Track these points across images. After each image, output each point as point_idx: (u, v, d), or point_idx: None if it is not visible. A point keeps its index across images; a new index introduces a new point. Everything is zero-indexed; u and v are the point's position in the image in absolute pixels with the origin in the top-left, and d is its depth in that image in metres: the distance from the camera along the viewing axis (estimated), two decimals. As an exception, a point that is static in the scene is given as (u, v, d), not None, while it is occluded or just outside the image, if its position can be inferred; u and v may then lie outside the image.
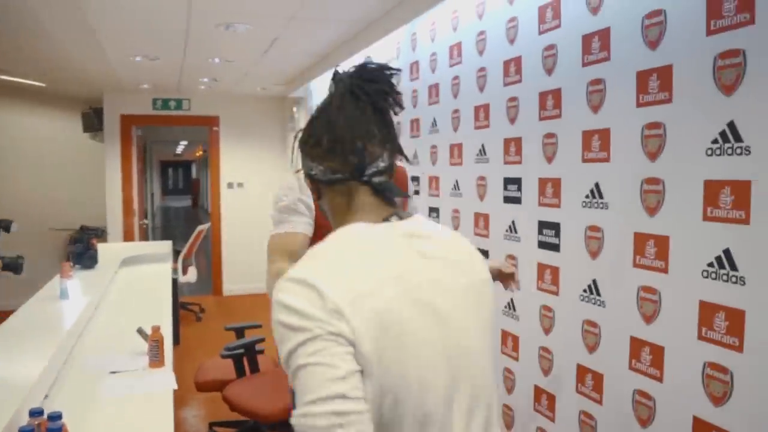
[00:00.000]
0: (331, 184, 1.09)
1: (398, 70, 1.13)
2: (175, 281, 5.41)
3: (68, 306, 3.12)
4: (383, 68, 1.10)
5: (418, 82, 3.68)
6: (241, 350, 3.07)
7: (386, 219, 1.08)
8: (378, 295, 0.95)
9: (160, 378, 2.45)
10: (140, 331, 2.71)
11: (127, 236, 7.29)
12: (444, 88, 3.33)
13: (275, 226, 2.02)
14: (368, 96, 1.07)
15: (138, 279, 4.63)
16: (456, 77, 3.19)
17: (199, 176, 26.42)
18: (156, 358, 2.56)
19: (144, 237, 8.32)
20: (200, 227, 6.67)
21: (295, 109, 7.22)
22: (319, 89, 6.05)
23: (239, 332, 3.56)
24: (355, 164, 1.06)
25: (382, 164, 1.08)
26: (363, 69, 1.09)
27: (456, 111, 3.19)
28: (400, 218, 1.09)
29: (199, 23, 3.83)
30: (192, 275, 6.46)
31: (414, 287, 1.00)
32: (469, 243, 1.17)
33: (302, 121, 7.00)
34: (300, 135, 1.14)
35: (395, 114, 1.12)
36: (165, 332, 2.68)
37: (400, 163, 1.90)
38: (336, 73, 1.12)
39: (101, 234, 4.93)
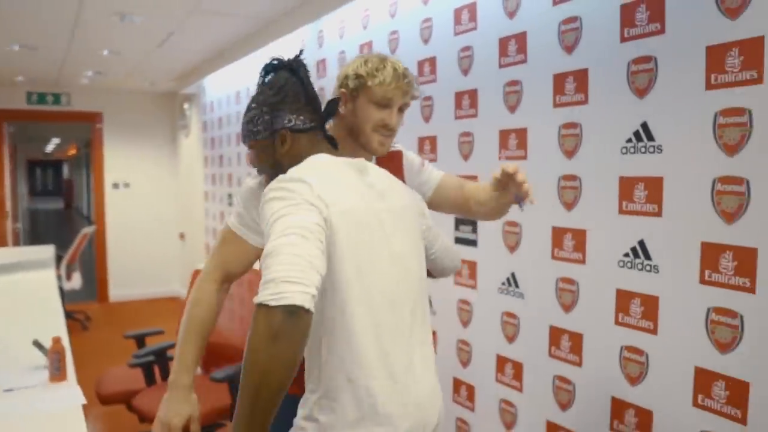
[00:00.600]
0: (306, 131, 1.39)
1: None
2: (60, 289, 5.03)
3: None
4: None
5: (325, 79, 3.66)
6: (151, 357, 2.91)
7: None
8: (345, 200, 1.25)
9: (65, 393, 2.26)
10: (37, 344, 2.50)
11: (-1, 241, 6.71)
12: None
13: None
14: (308, 77, 1.45)
15: (20, 288, 4.26)
16: (367, 76, 3.20)
17: (72, 176, 24.73)
18: (57, 372, 2.37)
19: (16, 242, 7.67)
20: (85, 230, 6.25)
21: (186, 105, 6.94)
22: (214, 86, 5.86)
23: (140, 340, 3.37)
24: (320, 117, 1.42)
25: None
26: (300, 59, 1.46)
27: (368, 109, 3.20)
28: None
29: (92, 11, 3.58)
30: (77, 281, 6.05)
31: (368, 203, 1.30)
32: (399, 181, 1.52)
33: (194, 118, 6.75)
34: (266, 100, 1.40)
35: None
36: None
37: (396, 146, 1.82)
38: (279, 61, 1.46)
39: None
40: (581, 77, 1.96)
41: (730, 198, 1.56)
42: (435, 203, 1.79)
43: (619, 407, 1.88)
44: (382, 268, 1.28)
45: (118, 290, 7.44)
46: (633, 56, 1.79)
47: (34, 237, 12.53)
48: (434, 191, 1.78)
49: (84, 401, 2.18)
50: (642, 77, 1.76)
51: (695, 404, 1.65)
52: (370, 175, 1.38)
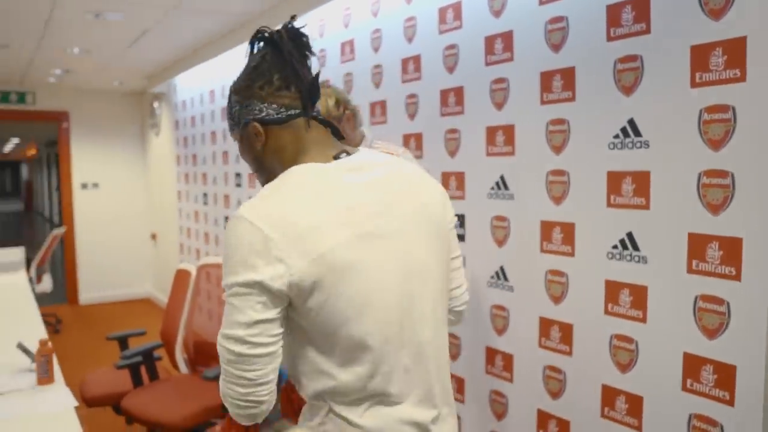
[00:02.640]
0: (284, 122, 1.14)
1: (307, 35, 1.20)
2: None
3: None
4: (302, 30, 1.17)
5: (305, 78, 3.66)
6: (139, 358, 2.88)
7: (336, 157, 1.16)
8: (327, 235, 1.04)
9: (54, 396, 2.25)
10: (21, 347, 2.47)
11: (-37, 245, 6.51)
12: (335, 84, 3.35)
13: None
14: (298, 47, 1.15)
15: (-9, 291, 4.18)
16: (349, 73, 3.23)
17: (32, 177, 24.11)
18: (46, 375, 2.35)
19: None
20: (55, 232, 6.12)
21: (156, 104, 6.85)
22: (187, 84, 5.80)
23: (122, 341, 3.33)
24: (308, 98, 1.15)
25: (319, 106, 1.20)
26: (293, 27, 1.16)
27: (350, 107, 3.22)
28: (348, 154, 1.17)
29: (66, 8, 3.51)
30: (47, 284, 5.92)
31: (362, 221, 1.08)
32: (415, 169, 1.25)
33: (165, 117, 6.67)
34: (238, 84, 1.18)
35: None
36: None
37: (397, 151, 2.06)
38: (264, 32, 1.17)
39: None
40: (568, 75, 2.02)
41: (716, 190, 1.63)
42: None
43: (609, 394, 1.95)
44: (372, 301, 1.08)
45: (88, 293, 7.31)
46: (619, 55, 1.85)
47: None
48: None
49: (76, 403, 2.17)
50: (628, 75, 1.83)
51: (684, 389, 1.72)
52: (372, 173, 1.14)
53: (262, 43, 1.18)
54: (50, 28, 3.97)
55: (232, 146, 4.74)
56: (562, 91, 2.05)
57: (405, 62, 2.79)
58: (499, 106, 2.30)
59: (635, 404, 1.87)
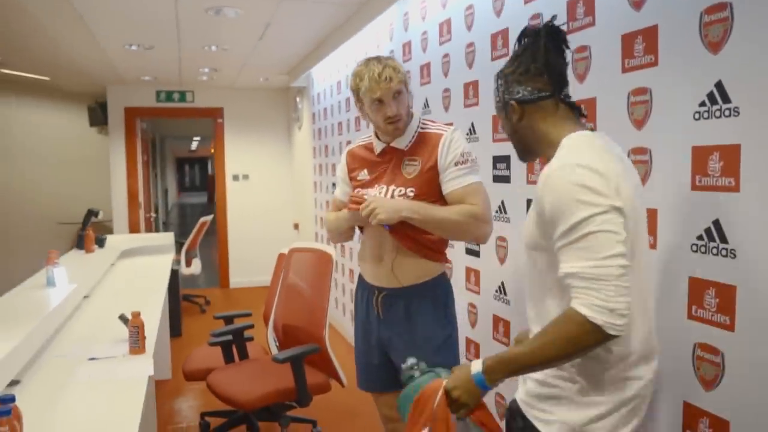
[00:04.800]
0: (537, 101, 1.38)
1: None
2: (176, 272, 5.37)
3: (53, 293, 3.06)
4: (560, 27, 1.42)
5: (410, 62, 3.56)
6: (229, 337, 2.99)
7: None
8: (627, 182, 1.28)
9: (137, 364, 2.37)
10: (122, 318, 2.64)
11: (133, 229, 7.28)
12: (435, 67, 3.22)
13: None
14: (558, 42, 1.39)
15: (137, 270, 4.58)
16: (446, 55, 3.08)
17: (214, 172, 26.51)
18: (136, 345, 2.48)
19: (151, 230, 8.30)
20: (203, 219, 6.62)
21: (298, 99, 7.14)
22: (320, 77, 5.96)
23: (228, 320, 3.49)
24: (558, 83, 1.39)
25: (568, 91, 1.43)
26: (552, 24, 1.40)
27: (446, 90, 3.08)
28: (593, 131, 1.42)
29: (187, 8, 3.74)
30: (196, 267, 6.42)
31: (634, 180, 1.36)
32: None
33: (305, 111, 6.92)
34: (504, 71, 1.45)
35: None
36: (151, 319, 2.60)
37: (440, 130, 2.11)
38: (528, 29, 1.43)
39: (98, 215, 4.97)
40: (650, 36, 1.72)
41: (819, 166, 1.28)
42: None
43: (692, 414, 1.63)
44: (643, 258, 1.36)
45: (237, 277, 7.82)
46: (706, 4, 1.53)
47: (180, 229, 13.53)
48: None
49: (151, 373, 2.27)
50: (716, 29, 1.50)
51: (776, 414, 1.38)
52: (615, 148, 1.41)
53: (527, 37, 1.42)
54: (181, 27, 4.26)
55: (356, 136, 4.78)
56: (644, 55, 1.75)
57: (494, 38, 2.59)
58: (581, 77, 2.04)
59: (720, 430, 1.54)
